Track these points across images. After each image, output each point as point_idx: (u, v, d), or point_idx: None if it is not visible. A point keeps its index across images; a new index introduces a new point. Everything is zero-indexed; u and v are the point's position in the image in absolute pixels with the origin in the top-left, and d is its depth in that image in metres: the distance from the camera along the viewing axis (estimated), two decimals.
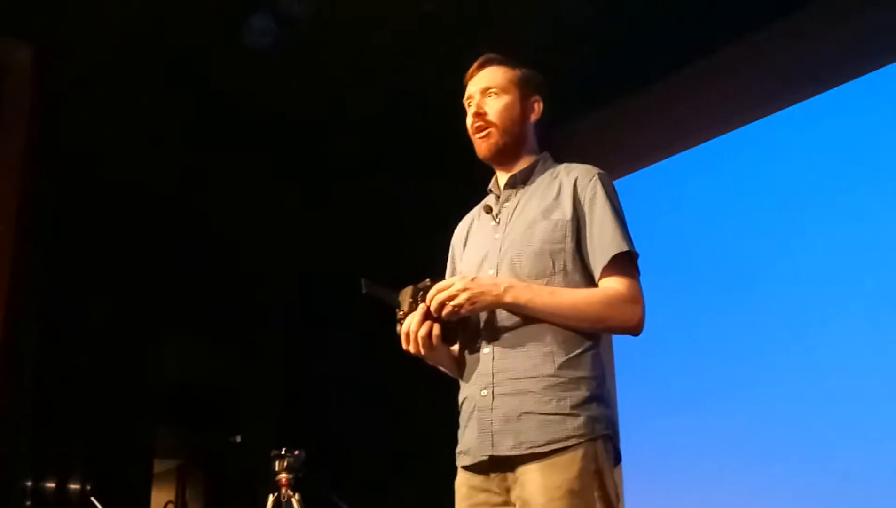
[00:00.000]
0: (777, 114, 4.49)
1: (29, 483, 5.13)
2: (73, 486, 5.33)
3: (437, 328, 2.05)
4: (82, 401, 5.45)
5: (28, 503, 5.06)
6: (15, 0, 4.23)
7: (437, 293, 2.03)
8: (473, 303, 2.03)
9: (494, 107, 2.24)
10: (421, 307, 2.05)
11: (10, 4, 4.23)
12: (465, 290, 2.02)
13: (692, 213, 4.72)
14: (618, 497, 1.99)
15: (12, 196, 4.25)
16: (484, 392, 2.05)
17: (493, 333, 2.08)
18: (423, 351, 2.08)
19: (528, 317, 2.05)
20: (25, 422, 4.31)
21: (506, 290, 2.03)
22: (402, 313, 2.08)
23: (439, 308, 2.02)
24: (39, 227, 4.38)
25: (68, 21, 4.44)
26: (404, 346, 2.10)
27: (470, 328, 2.13)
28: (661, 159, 4.96)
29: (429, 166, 5.34)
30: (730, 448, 4.20)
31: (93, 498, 4.40)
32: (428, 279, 2.09)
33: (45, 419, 4.96)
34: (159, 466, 6.66)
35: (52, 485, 5.29)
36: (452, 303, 2.01)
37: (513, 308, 2.05)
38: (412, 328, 2.05)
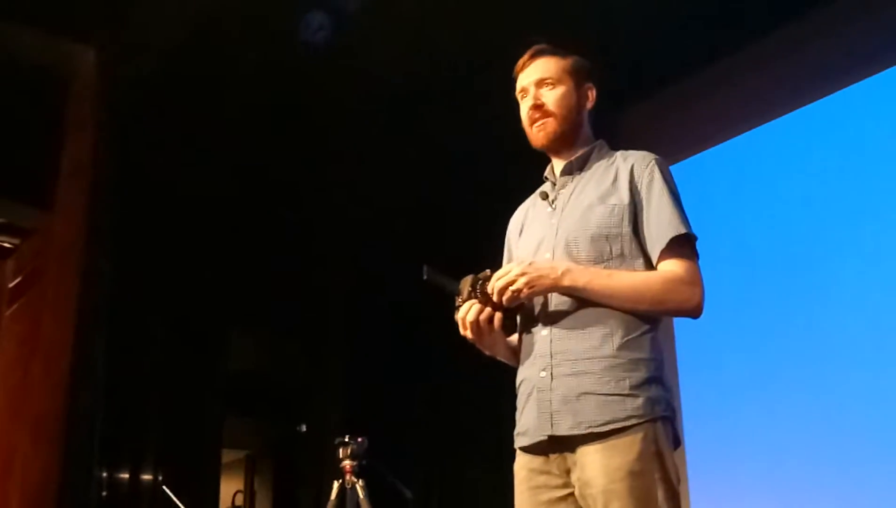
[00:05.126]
0: (844, 90, 4.39)
1: (104, 475, 5.28)
2: (146, 477, 5.48)
3: (498, 316, 2.09)
4: (153, 395, 5.60)
5: (103, 493, 5.22)
6: (78, 5, 4.32)
7: (496, 282, 2.06)
8: (532, 287, 2.04)
9: (551, 97, 2.24)
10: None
11: (74, 9, 4.33)
12: (523, 274, 2.04)
13: (754, 195, 4.66)
14: (678, 479, 1.99)
15: (82, 198, 4.35)
16: (543, 374, 2.06)
17: (551, 315, 2.10)
18: (483, 337, 2.11)
19: (586, 300, 2.06)
20: (99, 416, 4.42)
21: (564, 273, 2.05)
22: (460, 300, 2.11)
23: (500, 296, 2.05)
24: (108, 227, 4.48)
25: (132, 25, 4.53)
26: (462, 332, 2.13)
27: (527, 310, 2.15)
28: (722, 142, 4.90)
29: (494, 163, 5.34)
30: (796, 432, 4.16)
31: (165, 488, 4.51)
32: (488, 270, 2.11)
33: (119, 413, 5.10)
34: (228, 456, 6.80)
35: (126, 476, 5.44)
36: (511, 289, 2.03)
37: (571, 291, 2.06)
38: (470, 317, 2.09)
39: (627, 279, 2.06)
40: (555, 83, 2.25)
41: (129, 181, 4.74)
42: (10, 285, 4.58)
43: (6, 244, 4.59)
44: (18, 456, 4.12)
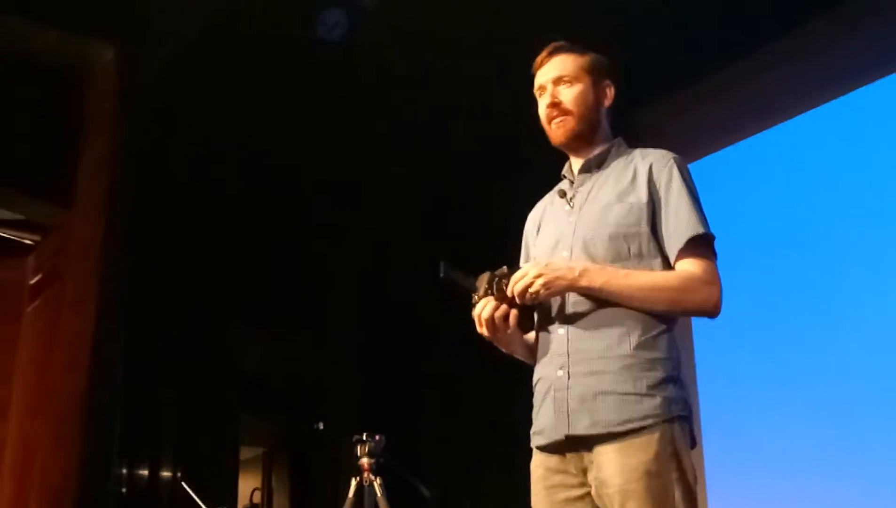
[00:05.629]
0: (855, 92, 4.37)
1: (123, 471, 5.32)
2: (165, 473, 5.51)
3: (514, 313, 2.09)
4: (172, 392, 5.63)
5: (123, 489, 5.25)
6: (96, 3, 4.34)
7: (513, 284, 2.05)
8: (549, 288, 2.04)
9: (568, 95, 2.23)
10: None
11: (91, 6, 4.35)
12: (540, 276, 2.03)
13: (774, 194, 4.63)
14: (695, 478, 1.98)
15: (101, 194, 4.38)
16: (560, 373, 2.06)
17: (568, 314, 2.10)
18: (499, 334, 2.12)
19: (603, 300, 2.06)
20: (118, 413, 4.45)
21: (581, 274, 2.04)
22: (477, 297, 2.11)
23: (519, 298, 2.05)
24: (127, 224, 4.51)
25: (149, 20, 4.54)
26: (478, 329, 2.13)
27: (544, 309, 2.15)
28: (740, 140, 4.88)
29: (509, 156, 5.33)
30: (814, 432, 4.14)
31: (184, 484, 4.53)
32: (505, 267, 2.11)
33: (138, 410, 5.13)
34: (246, 453, 6.83)
35: (145, 473, 5.47)
36: (529, 290, 2.03)
37: (588, 292, 2.06)
38: (486, 315, 2.09)
39: (645, 279, 2.06)
40: (572, 81, 2.24)
41: (146, 179, 4.76)
42: (31, 281, 4.61)
43: (27, 241, 4.63)
44: (38, 453, 4.15)
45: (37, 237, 4.60)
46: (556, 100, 2.24)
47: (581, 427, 1.99)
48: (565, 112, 2.23)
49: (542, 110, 2.28)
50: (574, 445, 2.02)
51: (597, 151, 2.27)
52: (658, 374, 2.00)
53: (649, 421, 1.95)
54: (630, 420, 1.95)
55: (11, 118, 4.25)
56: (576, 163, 2.30)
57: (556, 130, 2.25)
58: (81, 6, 4.28)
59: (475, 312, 2.12)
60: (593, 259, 2.10)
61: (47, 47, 4.37)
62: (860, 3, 4.38)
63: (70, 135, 4.45)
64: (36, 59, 4.36)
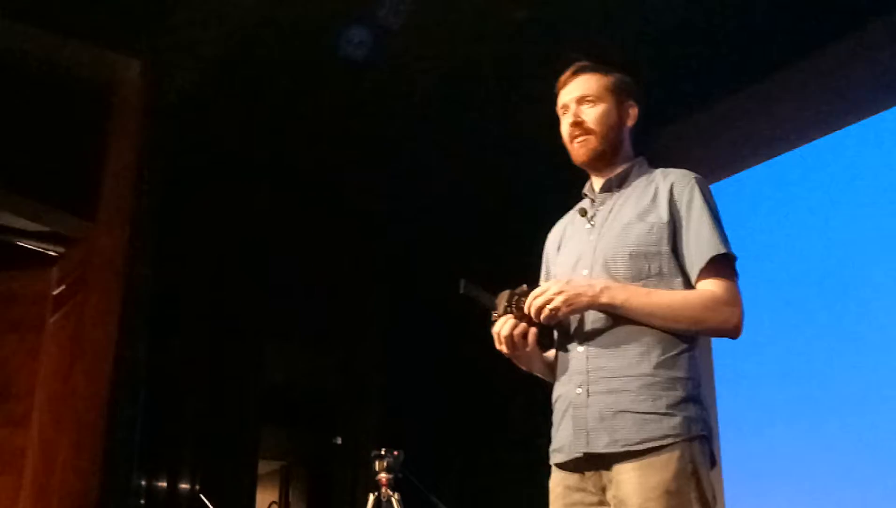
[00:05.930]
0: (878, 116, 4.37)
1: (143, 483, 5.33)
2: (184, 486, 5.51)
3: (532, 331, 2.09)
4: (192, 405, 5.64)
5: (142, 501, 5.27)
6: (122, 16, 4.39)
7: (533, 300, 2.06)
8: (570, 305, 2.04)
9: (591, 115, 2.24)
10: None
11: (118, 21, 4.40)
12: (560, 292, 2.04)
13: (795, 215, 4.62)
14: (714, 498, 1.98)
15: (125, 207, 4.42)
16: (579, 390, 2.06)
17: (588, 332, 2.10)
18: (518, 352, 2.11)
19: (623, 318, 2.06)
20: (138, 425, 4.47)
21: (602, 291, 2.05)
22: (496, 315, 2.12)
23: (538, 313, 2.05)
24: (151, 235, 4.54)
25: (175, 36, 4.59)
26: (497, 346, 2.13)
27: (563, 327, 2.15)
28: (763, 161, 4.87)
29: (525, 175, 5.34)
30: (834, 452, 4.11)
31: (202, 497, 4.55)
32: (525, 285, 2.11)
33: (157, 423, 5.14)
34: (264, 467, 6.82)
35: (164, 485, 5.48)
36: (549, 307, 2.03)
37: (609, 309, 2.06)
38: (505, 332, 2.09)
39: (666, 298, 2.06)
40: (595, 101, 2.25)
41: (170, 192, 4.80)
42: (55, 292, 4.66)
43: (51, 253, 4.67)
44: (59, 462, 4.18)
45: (61, 249, 4.64)
46: (578, 119, 2.25)
47: (600, 445, 1.99)
48: (587, 131, 2.24)
49: (565, 129, 2.28)
50: (593, 463, 2.02)
51: (618, 170, 2.28)
52: (678, 393, 1.99)
53: (668, 440, 1.95)
54: (649, 439, 1.95)
55: (37, 131, 4.30)
56: (597, 182, 2.31)
57: (579, 149, 2.26)
58: (109, 20, 4.33)
59: (494, 329, 2.12)
60: (614, 278, 2.10)
61: (74, 60, 4.42)
62: (872, 29, 4.38)
63: (95, 147, 4.49)
64: (63, 73, 4.42)
